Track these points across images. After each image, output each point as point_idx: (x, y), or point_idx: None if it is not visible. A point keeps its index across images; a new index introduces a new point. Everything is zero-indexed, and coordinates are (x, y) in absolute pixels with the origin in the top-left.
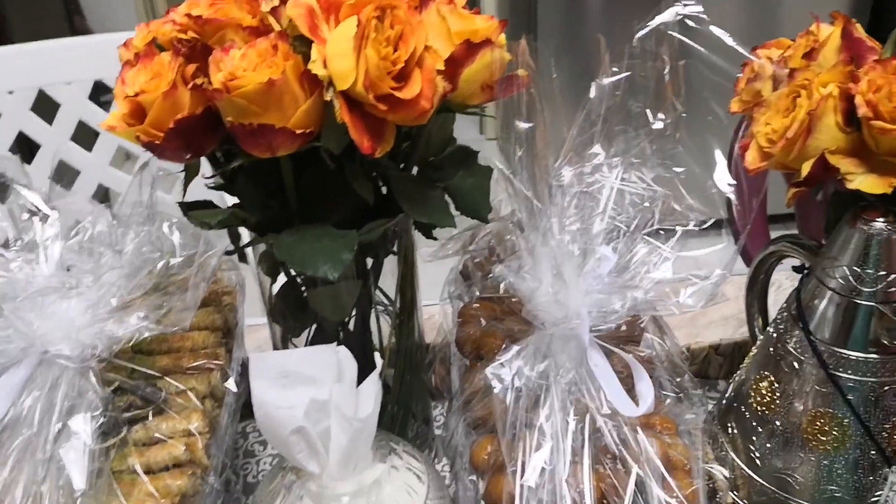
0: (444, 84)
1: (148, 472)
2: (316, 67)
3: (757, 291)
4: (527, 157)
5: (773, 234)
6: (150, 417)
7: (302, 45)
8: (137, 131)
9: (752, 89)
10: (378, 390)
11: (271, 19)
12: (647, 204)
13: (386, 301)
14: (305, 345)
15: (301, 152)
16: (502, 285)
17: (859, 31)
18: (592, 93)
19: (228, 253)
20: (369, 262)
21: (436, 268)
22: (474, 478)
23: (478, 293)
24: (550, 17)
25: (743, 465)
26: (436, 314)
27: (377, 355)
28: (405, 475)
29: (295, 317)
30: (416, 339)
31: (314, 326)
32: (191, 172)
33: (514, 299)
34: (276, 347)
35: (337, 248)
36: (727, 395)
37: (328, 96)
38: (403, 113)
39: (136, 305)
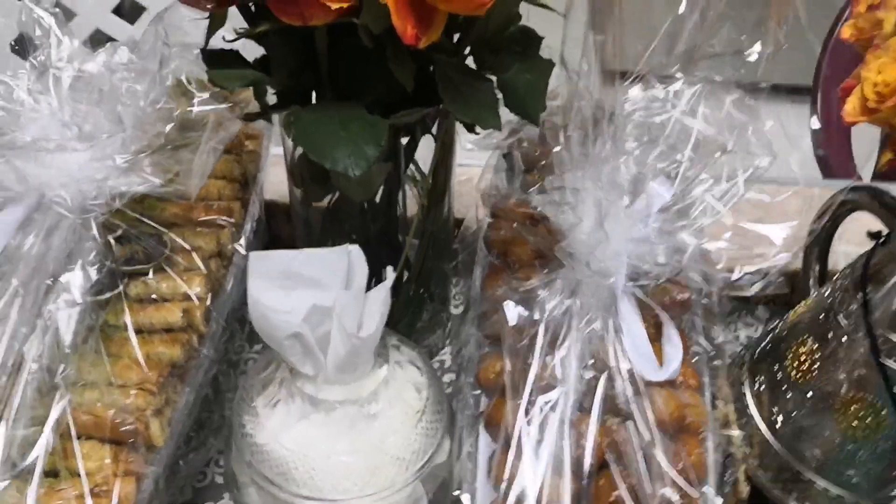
0: None
1: (140, 331)
2: None
3: (820, 240)
4: (591, 68)
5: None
6: (151, 274)
7: None
8: None
9: (873, 17)
10: (385, 308)
11: None
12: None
13: (418, 176)
14: (327, 208)
15: (339, 22)
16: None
17: None
18: (682, 7)
19: (248, 117)
20: (403, 140)
21: None
22: (478, 393)
23: (518, 186)
24: None
25: (762, 424)
26: (473, 177)
27: (389, 269)
28: (403, 386)
29: (317, 183)
30: (444, 220)
31: (336, 193)
32: (216, 21)
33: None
34: (294, 210)
35: (363, 139)
36: (762, 345)
37: None
38: (461, 4)
39: (144, 163)
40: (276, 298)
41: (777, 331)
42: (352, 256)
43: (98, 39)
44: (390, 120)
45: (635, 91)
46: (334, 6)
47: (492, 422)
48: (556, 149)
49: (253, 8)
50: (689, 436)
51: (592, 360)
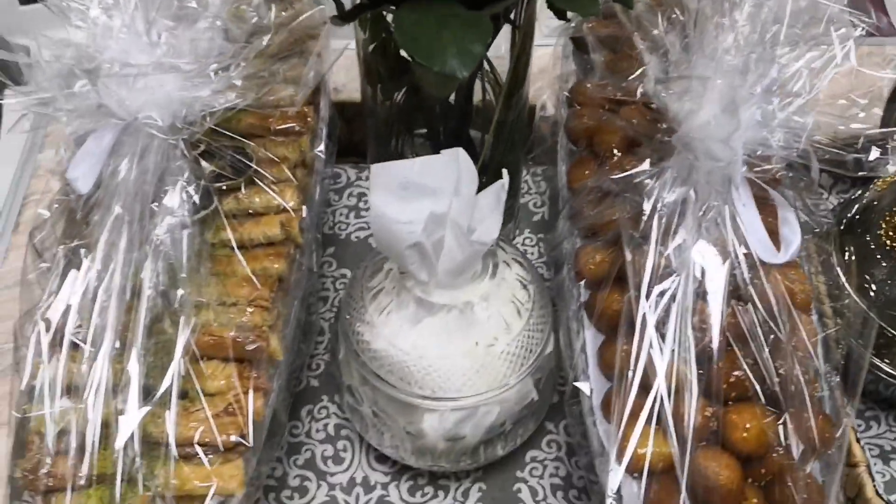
0: None
1: (242, 247)
2: None
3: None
4: None
5: None
6: (243, 188)
7: None
8: None
9: None
10: (499, 211)
11: None
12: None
13: (488, 68)
14: (400, 105)
15: None
16: (639, 90)
17: None
18: None
19: (339, 18)
20: None
21: None
22: (582, 286)
23: (596, 70)
24: None
25: (853, 293)
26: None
27: (504, 173)
28: (512, 284)
29: (393, 79)
30: (520, 110)
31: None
32: None
33: (651, 105)
34: (366, 107)
35: (468, 37)
36: (850, 215)
37: None
38: None
39: (235, 77)
40: (398, 209)
41: (865, 200)
42: (460, 160)
43: None
44: (486, 10)
45: None
46: None
47: (602, 312)
48: (655, 32)
49: None
50: (800, 311)
51: (710, 247)
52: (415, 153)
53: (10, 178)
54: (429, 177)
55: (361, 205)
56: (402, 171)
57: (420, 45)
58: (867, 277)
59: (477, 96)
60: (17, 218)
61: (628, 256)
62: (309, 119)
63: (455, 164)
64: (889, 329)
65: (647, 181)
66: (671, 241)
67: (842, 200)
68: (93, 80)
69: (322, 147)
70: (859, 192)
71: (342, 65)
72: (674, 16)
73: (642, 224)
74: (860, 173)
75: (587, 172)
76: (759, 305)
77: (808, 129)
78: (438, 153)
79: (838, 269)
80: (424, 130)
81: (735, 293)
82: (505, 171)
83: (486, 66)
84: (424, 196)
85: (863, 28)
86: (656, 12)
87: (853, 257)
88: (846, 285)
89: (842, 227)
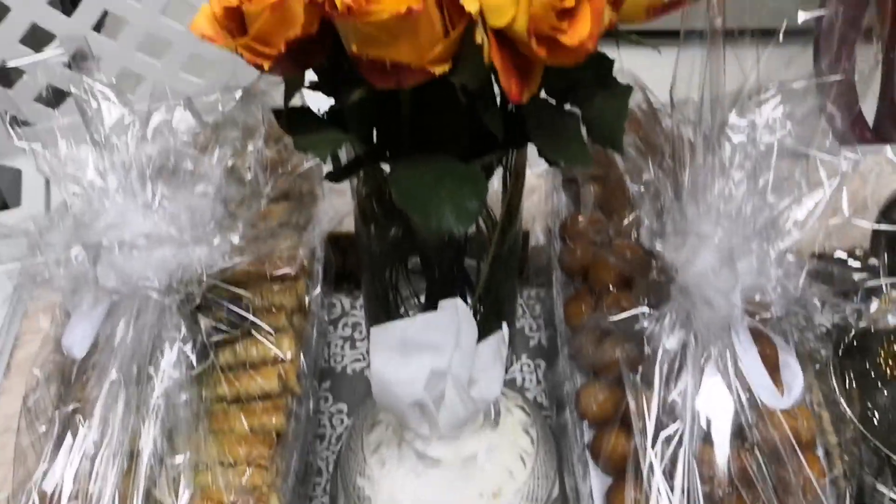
0: (610, 14)
1: (237, 401)
2: (469, 2)
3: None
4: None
5: None
6: (239, 340)
7: None
8: (240, 46)
9: None
10: (501, 365)
11: None
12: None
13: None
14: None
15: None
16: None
17: None
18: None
19: (332, 177)
20: None
21: None
22: (584, 425)
23: (588, 205)
24: None
25: (856, 420)
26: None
27: (504, 325)
28: (514, 431)
29: (388, 219)
30: (514, 241)
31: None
32: (292, 85)
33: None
34: (361, 245)
35: (464, 194)
36: (848, 339)
37: (479, 35)
38: (565, 57)
39: (227, 235)
40: (399, 369)
41: (861, 325)
42: (459, 312)
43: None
44: (481, 161)
45: (734, 118)
46: (437, 71)
47: (608, 456)
48: (646, 176)
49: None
50: (806, 450)
51: (713, 392)
52: (410, 285)
53: (0, 320)
54: (429, 333)
55: (357, 335)
56: (402, 329)
57: (417, 202)
58: (869, 405)
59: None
60: (9, 360)
61: (631, 402)
62: (304, 262)
63: (455, 317)
64: (894, 456)
65: (646, 324)
66: (674, 385)
67: (838, 322)
68: (90, 255)
69: (318, 290)
70: (856, 314)
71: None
72: (664, 162)
73: (644, 367)
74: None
75: (584, 308)
76: (765, 448)
77: (804, 277)
78: (433, 285)
79: (840, 398)
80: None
81: (740, 436)
82: (505, 325)
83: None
84: (425, 352)
85: (850, 162)
86: (647, 156)
87: (854, 385)
88: (850, 415)
89: (840, 353)
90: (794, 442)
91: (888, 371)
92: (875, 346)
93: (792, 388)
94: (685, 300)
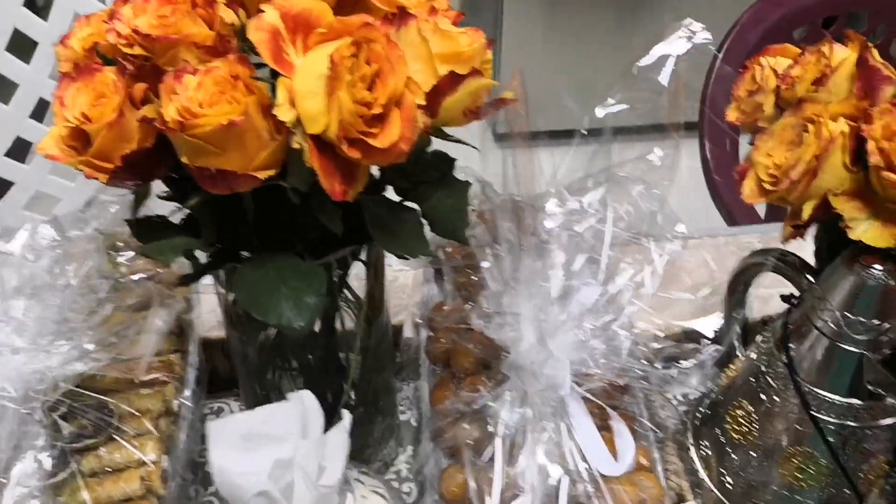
0: (424, 119)
1: None
2: (282, 112)
3: (737, 302)
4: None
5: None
6: (103, 446)
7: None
8: (80, 163)
9: (753, 102)
10: (344, 450)
11: (230, 30)
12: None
13: (352, 297)
14: (265, 342)
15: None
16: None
17: (875, 57)
18: (585, 124)
19: (184, 280)
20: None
21: None
22: None
23: (451, 295)
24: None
25: (714, 488)
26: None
27: (345, 413)
28: (373, 499)
29: (255, 323)
30: (383, 334)
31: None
32: (140, 196)
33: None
34: (232, 347)
35: (303, 291)
36: (702, 410)
37: (295, 142)
38: (380, 158)
39: (88, 346)
40: (240, 461)
41: (713, 395)
42: (305, 403)
43: None
44: (322, 260)
45: (551, 206)
46: (262, 176)
47: None
48: (485, 264)
49: (178, 177)
50: None
51: (551, 465)
52: (292, 384)
53: None
54: (272, 424)
55: None
56: (243, 423)
57: (257, 301)
58: (723, 471)
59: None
60: None
61: (471, 482)
62: (175, 367)
63: (299, 407)
64: None
65: (490, 404)
66: (518, 462)
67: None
68: None
69: (188, 393)
70: (710, 386)
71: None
72: (496, 253)
73: (487, 447)
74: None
75: (447, 393)
76: None
77: (627, 348)
78: (310, 380)
79: (699, 465)
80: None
81: None
82: (345, 413)
83: (349, 295)
84: (269, 444)
85: (676, 239)
86: (492, 245)
87: (709, 452)
88: (704, 479)
89: (696, 423)
90: None
91: (734, 436)
92: (723, 413)
93: (625, 455)
94: (518, 378)
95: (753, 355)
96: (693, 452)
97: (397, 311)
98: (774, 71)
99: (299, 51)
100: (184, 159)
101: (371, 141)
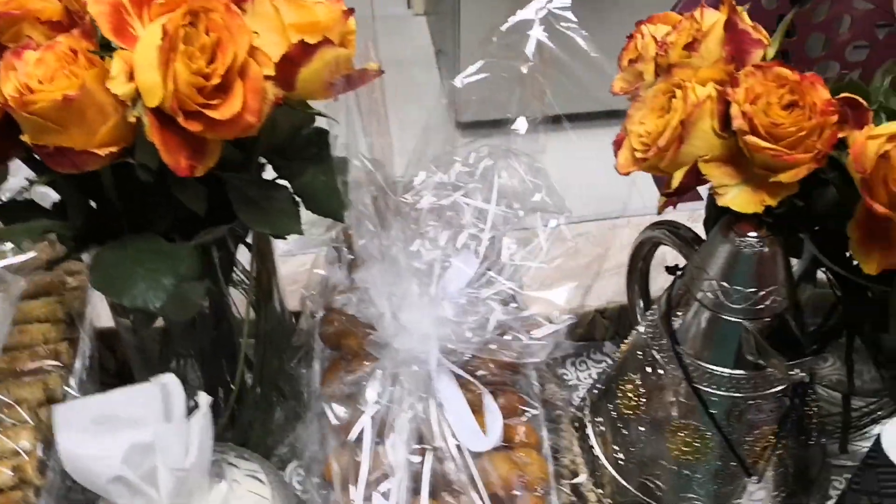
0: (275, 91)
1: None
2: (115, 86)
3: (637, 278)
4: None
5: None
6: None
7: (109, 48)
8: None
9: (635, 70)
10: (207, 433)
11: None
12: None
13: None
14: (157, 331)
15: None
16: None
17: (744, 20)
18: (444, 97)
19: (50, 264)
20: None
21: None
22: (325, 493)
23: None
24: None
25: (608, 465)
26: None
27: (202, 395)
28: (246, 499)
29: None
30: (278, 318)
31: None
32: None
33: None
34: (123, 338)
35: (161, 271)
36: (598, 385)
37: (132, 116)
38: (224, 130)
39: None
40: (90, 446)
41: (608, 372)
42: (167, 387)
43: None
44: (192, 242)
45: (420, 179)
46: (103, 153)
47: None
48: (361, 242)
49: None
50: (528, 495)
51: (419, 443)
52: (184, 371)
53: None
54: (129, 408)
55: None
56: (94, 405)
57: (111, 282)
58: (616, 447)
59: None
60: None
61: (334, 464)
62: (62, 356)
63: (159, 391)
64: (642, 496)
65: (364, 384)
66: (387, 440)
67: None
68: None
69: (74, 382)
70: (607, 368)
71: None
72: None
73: (356, 428)
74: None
75: (338, 375)
76: (474, 496)
77: (493, 323)
78: (208, 369)
79: (593, 440)
80: None
81: (450, 486)
82: (202, 394)
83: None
84: (124, 427)
85: (559, 218)
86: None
87: (603, 428)
88: (599, 456)
89: (594, 399)
90: (514, 484)
91: (625, 411)
92: (615, 388)
93: (493, 429)
94: (386, 357)
95: (642, 328)
96: (590, 429)
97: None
98: (655, 39)
99: (145, 24)
100: (25, 138)
101: (210, 113)
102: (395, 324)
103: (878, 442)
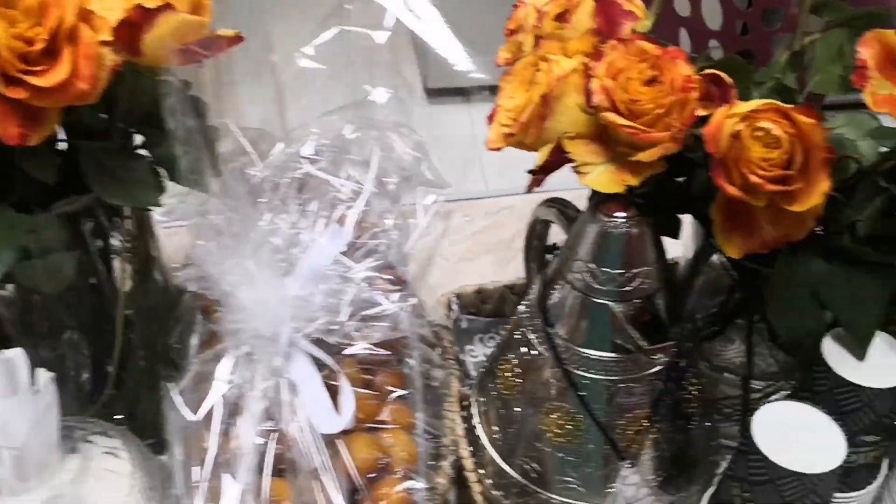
0: (113, 57)
1: None
2: None
3: (532, 256)
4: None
5: None
6: None
7: None
8: None
9: (516, 41)
10: (48, 409)
11: None
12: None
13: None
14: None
15: None
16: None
17: None
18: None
19: None
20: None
21: None
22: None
23: None
24: None
25: (487, 444)
26: None
27: (41, 371)
28: (102, 476)
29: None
30: (161, 292)
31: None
32: None
33: None
34: (2, 313)
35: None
36: (485, 364)
37: None
38: (53, 97)
39: None
40: None
41: (493, 352)
42: (9, 364)
43: None
44: (52, 211)
45: (277, 153)
46: None
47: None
48: (213, 218)
49: None
50: (388, 477)
51: (271, 424)
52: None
53: None
54: None
55: None
56: None
57: None
58: (496, 428)
59: None
60: None
61: (177, 453)
62: None
63: (2, 367)
64: (519, 477)
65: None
66: (239, 421)
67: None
68: None
69: None
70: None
71: None
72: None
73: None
74: None
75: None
76: (327, 477)
77: (346, 304)
78: (90, 344)
79: (476, 421)
80: None
81: (304, 467)
82: (41, 371)
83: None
84: None
85: (437, 197)
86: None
87: (486, 408)
88: (481, 436)
89: (481, 379)
90: (366, 468)
91: (504, 391)
92: (496, 368)
93: (345, 410)
94: (237, 336)
95: (521, 308)
96: (474, 408)
97: None
98: (536, 9)
99: None
100: None
101: (34, 80)
102: (241, 302)
103: (747, 428)
